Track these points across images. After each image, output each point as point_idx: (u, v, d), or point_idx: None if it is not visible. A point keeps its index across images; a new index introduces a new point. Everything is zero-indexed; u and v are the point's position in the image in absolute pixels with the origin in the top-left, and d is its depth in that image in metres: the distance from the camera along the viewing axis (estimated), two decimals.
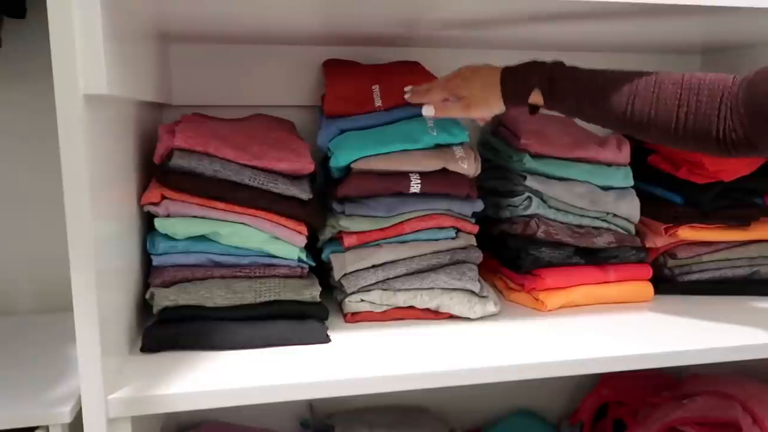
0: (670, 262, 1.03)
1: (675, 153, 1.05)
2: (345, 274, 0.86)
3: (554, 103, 0.80)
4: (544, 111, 1.14)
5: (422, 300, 0.87)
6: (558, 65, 0.80)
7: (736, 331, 0.85)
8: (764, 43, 1.09)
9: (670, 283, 1.03)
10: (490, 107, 0.83)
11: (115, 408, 0.63)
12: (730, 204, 1.03)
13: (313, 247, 0.93)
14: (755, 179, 1.02)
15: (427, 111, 0.86)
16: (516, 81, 0.80)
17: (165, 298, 0.77)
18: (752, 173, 1.01)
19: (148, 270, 0.82)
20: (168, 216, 0.81)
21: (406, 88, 0.89)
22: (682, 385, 1.09)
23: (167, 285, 0.79)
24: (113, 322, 0.68)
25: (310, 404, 1.18)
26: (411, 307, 0.88)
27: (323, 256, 0.91)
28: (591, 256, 0.97)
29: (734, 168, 1.01)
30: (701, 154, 1.02)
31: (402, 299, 0.87)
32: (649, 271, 0.99)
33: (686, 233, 1.01)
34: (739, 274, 1.04)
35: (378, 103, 0.92)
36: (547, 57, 1.16)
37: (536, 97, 0.80)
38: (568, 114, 0.81)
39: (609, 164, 0.99)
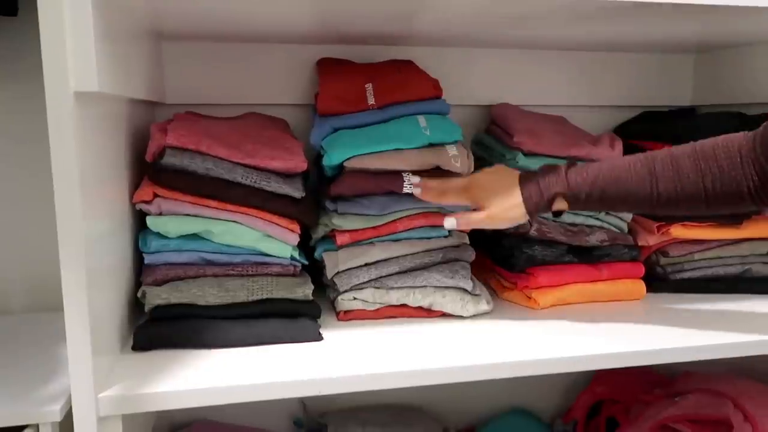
0: (663, 260, 1.03)
1: None
2: (338, 272, 0.87)
3: (579, 206, 0.79)
4: (534, 109, 1.16)
5: (415, 298, 0.87)
6: (572, 168, 0.79)
7: (727, 329, 0.85)
8: (758, 42, 1.10)
9: (662, 281, 1.03)
10: (512, 220, 0.81)
11: (106, 406, 0.63)
12: None
13: (306, 246, 0.94)
14: None
15: (449, 223, 0.83)
16: (538, 193, 0.78)
17: (157, 296, 0.77)
18: None
19: (140, 268, 0.82)
20: (160, 214, 0.80)
21: (414, 181, 0.85)
22: (674, 383, 1.10)
23: (159, 283, 0.79)
24: (104, 320, 0.68)
25: (303, 403, 1.18)
26: (404, 306, 0.88)
27: (316, 254, 0.91)
28: (584, 254, 0.97)
29: None
30: None
31: (395, 297, 0.87)
32: (641, 269, 0.99)
33: (678, 231, 1.01)
34: (731, 272, 1.04)
35: (371, 101, 0.92)
36: (541, 56, 1.19)
37: (560, 204, 0.79)
38: (595, 210, 0.82)
39: None
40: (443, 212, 0.91)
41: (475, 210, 0.83)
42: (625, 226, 1.01)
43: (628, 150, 1.06)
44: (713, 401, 0.97)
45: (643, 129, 1.17)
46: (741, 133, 0.73)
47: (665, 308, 0.95)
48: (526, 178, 0.80)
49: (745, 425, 0.91)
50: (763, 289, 1.03)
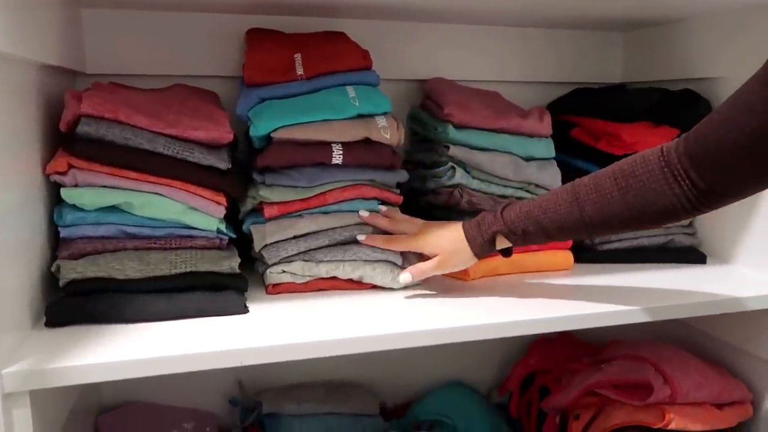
0: None
1: (595, 125, 1.08)
2: (265, 245, 0.85)
3: (520, 241, 0.81)
4: (470, 85, 1.16)
5: (344, 271, 0.87)
6: (508, 207, 0.82)
7: (649, 295, 0.88)
8: (682, 20, 1.13)
9: (590, 252, 1.06)
10: (462, 263, 0.85)
11: (11, 382, 0.60)
12: None
13: (235, 219, 0.92)
14: None
15: (405, 279, 0.85)
16: (479, 234, 0.82)
17: (72, 270, 0.74)
18: None
19: (57, 243, 0.78)
20: (76, 186, 0.77)
21: (359, 237, 0.87)
22: (602, 351, 1.13)
23: (76, 257, 0.76)
24: (12, 295, 0.65)
25: (240, 382, 1.17)
26: (333, 278, 0.87)
27: (244, 227, 0.89)
28: None
29: (651, 140, 1.04)
30: (619, 127, 1.05)
31: (324, 270, 0.86)
32: (569, 240, 1.01)
33: None
34: (655, 242, 1.08)
35: (300, 71, 0.90)
36: (477, 32, 1.19)
37: (502, 242, 0.82)
38: (539, 243, 0.83)
39: (531, 135, 1.01)
40: (374, 185, 0.90)
41: (424, 258, 0.86)
42: None
43: (559, 124, 1.09)
44: (635, 366, 1.00)
45: (575, 104, 1.19)
46: (657, 147, 0.73)
47: (592, 277, 0.97)
48: (468, 223, 0.84)
49: (665, 387, 0.95)
50: (685, 258, 1.07)
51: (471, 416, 1.17)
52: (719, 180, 0.67)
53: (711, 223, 1.10)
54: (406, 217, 0.90)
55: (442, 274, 0.97)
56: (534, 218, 0.78)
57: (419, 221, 0.89)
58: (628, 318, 0.84)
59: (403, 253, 0.90)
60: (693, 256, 1.07)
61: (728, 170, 0.66)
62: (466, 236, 0.83)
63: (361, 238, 0.87)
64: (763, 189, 0.68)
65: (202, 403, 1.16)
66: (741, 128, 0.63)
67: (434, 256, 0.84)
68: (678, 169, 0.69)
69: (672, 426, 0.94)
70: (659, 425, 0.94)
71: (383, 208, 0.90)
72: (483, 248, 0.82)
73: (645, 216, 0.73)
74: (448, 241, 0.84)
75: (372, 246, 0.88)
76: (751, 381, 1.04)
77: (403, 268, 0.89)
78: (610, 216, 0.74)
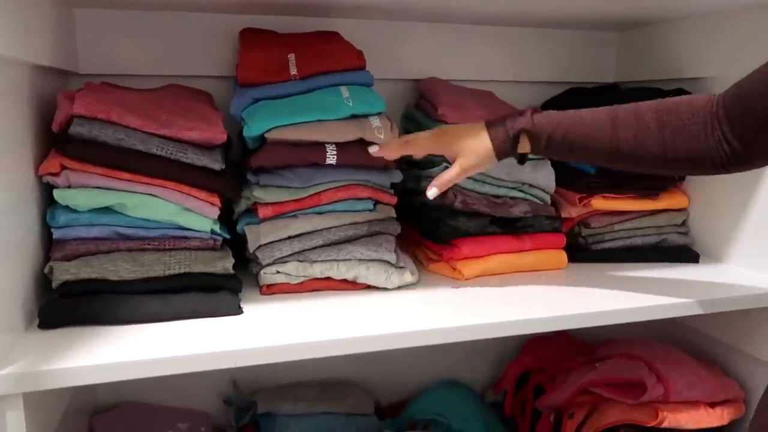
0: (584, 231, 1.06)
1: None
2: (260, 246, 0.85)
3: (542, 148, 0.78)
4: (464, 84, 1.16)
5: (339, 271, 0.87)
6: (539, 112, 0.79)
7: (643, 294, 0.89)
8: (680, 18, 1.13)
9: (584, 251, 1.06)
10: (484, 163, 0.80)
11: (4, 384, 0.60)
12: (640, 174, 1.06)
13: (230, 219, 0.92)
14: None
15: (432, 193, 0.82)
16: (504, 132, 0.78)
17: (65, 271, 0.74)
18: None
19: (51, 244, 0.78)
20: (69, 187, 0.77)
21: (371, 150, 0.83)
22: (596, 350, 1.13)
23: (69, 259, 0.76)
24: (5, 297, 0.65)
25: (234, 381, 1.17)
26: (328, 278, 0.87)
27: (238, 227, 0.89)
28: (507, 225, 0.99)
29: None
30: None
31: (319, 270, 0.86)
32: (563, 240, 1.02)
33: (599, 203, 1.05)
34: (649, 241, 1.08)
35: (293, 71, 0.90)
36: (471, 31, 1.19)
37: (524, 146, 0.78)
38: (558, 158, 0.80)
39: None
40: (368, 186, 0.91)
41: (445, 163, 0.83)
42: (548, 198, 1.03)
43: None
44: (629, 365, 1.01)
45: (569, 104, 1.18)
46: (705, 96, 0.72)
47: (586, 277, 0.98)
48: (492, 121, 0.80)
49: (658, 385, 0.95)
50: (678, 257, 1.07)
51: (466, 415, 1.18)
52: (747, 139, 0.67)
53: (704, 223, 1.11)
54: (418, 133, 0.84)
55: (437, 273, 0.98)
56: (564, 128, 0.75)
57: (438, 127, 0.84)
58: (622, 317, 0.85)
59: (397, 253, 0.90)
60: (686, 255, 1.07)
61: (757, 130, 0.66)
62: (489, 132, 0.78)
63: (373, 150, 0.82)
64: None
65: (197, 403, 1.16)
66: None
67: (454, 160, 0.80)
68: (715, 121, 0.69)
69: (665, 424, 0.94)
70: (653, 424, 0.95)
71: (374, 149, 0.85)
72: (505, 146, 0.78)
73: (676, 157, 0.72)
74: (469, 141, 0.79)
75: (366, 246, 0.87)
76: (743, 379, 1.04)
77: (399, 267, 0.89)
78: (642, 147, 0.73)
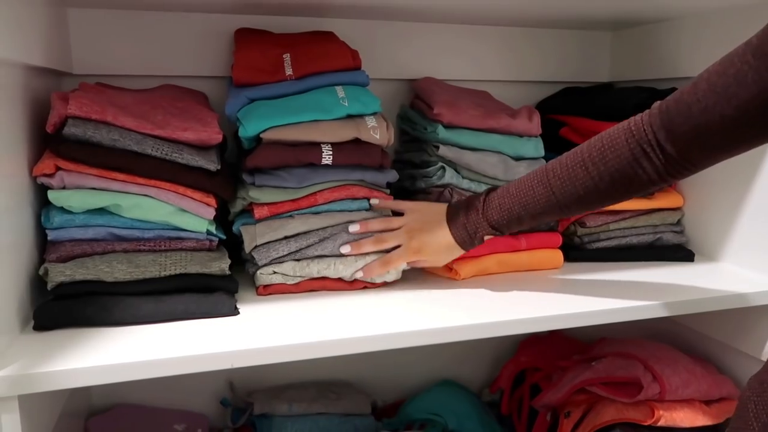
0: (580, 231, 1.06)
1: (584, 125, 1.09)
2: (256, 246, 0.85)
3: (505, 232, 0.85)
4: (459, 84, 1.16)
5: (336, 269, 0.86)
6: (488, 205, 0.83)
7: (639, 293, 0.89)
8: (674, 17, 1.14)
9: (579, 250, 1.06)
10: (452, 257, 0.88)
11: None
12: None
13: (225, 220, 0.91)
14: None
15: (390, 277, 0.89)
16: (468, 237, 0.85)
17: (60, 273, 0.73)
18: None
19: (45, 245, 0.78)
20: (63, 188, 0.76)
21: (343, 250, 0.86)
22: (591, 348, 1.14)
23: (64, 260, 0.76)
24: (0, 299, 0.64)
25: (231, 383, 1.16)
26: (324, 278, 0.87)
27: (234, 228, 0.89)
28: None
29: None
30: (607, 126, 1.05)
31: (315, 270, 0.86)
32: (559, 239, 1.02)
33: None
34: (644, 240, 1.09)
35: (288, 71, 0.90)
36: (466, 31, 1.19)
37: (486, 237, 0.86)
38: (522, 227, 0.84)
39: (520, 135, 1.01)
40: (364, 185, 0.90)
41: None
42: None
43: (548, 124, 1.09)
44: (625, 364, 1.01)
45: (564, 104, 1.20)
46: (624, 124, 0.73)
47: (582, 276, 0.98)
48: (455, 227, 0.85)
49: (654, 384, 0.96)
50: (673, 256, 1.08)
51: (462, 415, 1.18)
52: (694, 150, 0.68)
53: (699, 222, 1.11)
54: (388, 223, 0.88)
55: (433, 273, 0.98)
56: (516, 215, 0.81)
57: (402, 229, 0.88)
58: (618, 316, 0.85)
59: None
60: (681, 254, 1.08)
61: (705, 140, 0.67)
62: (455, 238, 0.86)
63: (345, 250, 0.86)
64: (727, 159, 0.69)
65: (194, 405, 1.16)
66: (729, 99, 0.63)
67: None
68: (650, 142, 0.70)
69: (661, 423, 0.94)
70: (648, 422, 0.95)
71: (375, 201, 0.91)
72: (473, 245, 0.87)
73: (617, 195, 0.75)
74: (437, 241, 0.86)
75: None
76: (738, 377, 1.05)
77: None
78: (587, 202, 0.77)
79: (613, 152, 0.73)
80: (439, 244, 0.86)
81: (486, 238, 0.86)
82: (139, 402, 1.12)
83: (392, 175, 0.93)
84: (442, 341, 0.77)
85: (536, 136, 1.02)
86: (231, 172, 0.91)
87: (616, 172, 0.73)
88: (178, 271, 0.78)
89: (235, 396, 1.16)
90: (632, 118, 0.73)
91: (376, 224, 0.88)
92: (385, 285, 0.90)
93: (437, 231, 0.86)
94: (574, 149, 0.77)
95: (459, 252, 0.87)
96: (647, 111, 0.73)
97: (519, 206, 0.81)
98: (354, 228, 0.87)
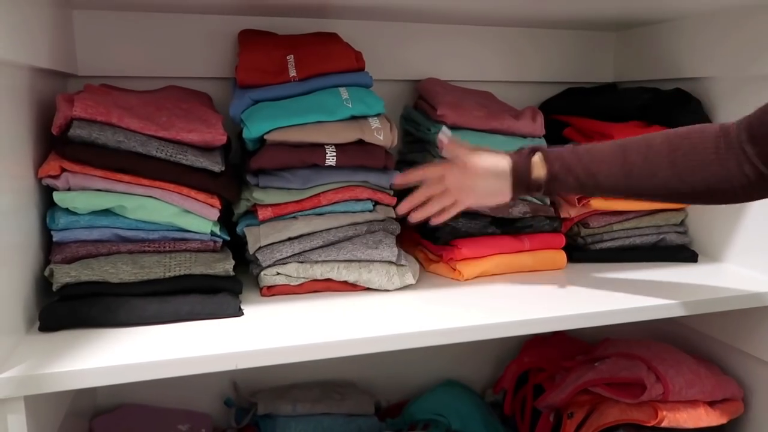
0: (584, 231, 1.06)
1: (587, 125, 1.09)
2: (260, 247, 0.85)
3: (556, 169, 0.79)
4: (463, 85, 1.16)
5: (339, 273, 0.87)
6: (554, 158, 0.79)
7: (642, 294, 0.89)
8: (675, 19, 1.13)
9: (583, 251, 1.06)
10: (493, 170, 0.81)
11: (5, 388, 0.60)
12: None
13: (230, 221, 0.92)
14: None
15: (444, 134, 0.88)
16: (525, 187, 0.80)
17: (65, 274, 0.74)
18: None
19: (51, 246, 0.78)
20: (69, 189, 0.77)
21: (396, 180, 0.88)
22: (595, 349, 1.14)
23: (69, 261, 0.76)
24: (5, 300, 0.65)
25: (235, 383, 1.17)
26: (328, 280, 0.87)
27: (238, 229, 0.89)
28: (507, 226, 0.99)
29: None
30: (610, 127, 1.05)
31: (319, 272, 0.86)
32: (562, 240, 1.02)
33: (598, 203, 1.05)
34: (647, 241, 1.09)
35: (292, 73, 0.90)
36: (470, 32, 1.19)
37: (538, 170, 0.80)
38: (572, 190, 0.80)
39: (524, 136, 1.01)
40: (367, 187, 0.91)
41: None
42: (547, 199, 1.03)
43: (551, 124, 1.09)
44: (628, 364, 1.01)
45: (567, 104, 1.20)
46: (716, 124, 0.71)
47: (585, 277, 0.98)
48: (516, 172, 0.81)
49: (657, 385, 0.96)
50: (677, 256, 1.08)
51: (465, 415, 1.18)
52: None
53: (702, 222, 1.11)
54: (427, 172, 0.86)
55: (437, 274, 0.98)
56: (577, 155, 0.77)
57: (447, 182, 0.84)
58: (621, 318, 0.85)
59: (399, 251, 0.90)
60: (685, 254, 1.08)
61: None
62: (513, 185, 0.80)
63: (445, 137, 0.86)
64: None
65: (198, 405, 1.16)
66: None
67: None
68: (736, 145, 0.68)
69: (665, 424, 0.94)
70: (652, 423, 0.95)
71: (448, 132, 0.90)
72: (520, 165, 0.80)
73: (690, 182, 0.71)
74: (491, 188, 0.82)
75: (366, 245, 0.87)
76: (742, 378, 1.04)
77: (400, 266, 0.89)
78: (652, 172, 0.73)
79: (701, 157, 0.70)
80: (491, 188, 0.82)
81: (535, 172, 0.79)
82: (143, 402, 1.12)
83: (396, 177, 0.93)
84: (446, 342, 0.77)
85: (539, 137, 1.02)
86: (235, 174, 0.91)
87: (702, 179, 0.70)
88: (182, 272, 0.78)
89: (238, 396, 1.16)
90: (721, 125, 0.71)
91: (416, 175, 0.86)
92: None
93: (495, 174, 0.81)
94: (654, 140, 0.73)
95: (504, 162, 0.80)
96: (736, 122, 0.70)
97: (584, 152, 0.77)
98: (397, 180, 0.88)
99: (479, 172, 0.81)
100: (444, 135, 0.89)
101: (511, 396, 1.22)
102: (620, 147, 0.75)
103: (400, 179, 0.88)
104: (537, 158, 0.80)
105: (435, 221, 0.86)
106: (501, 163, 0.81)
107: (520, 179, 0.80)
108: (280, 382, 1.19)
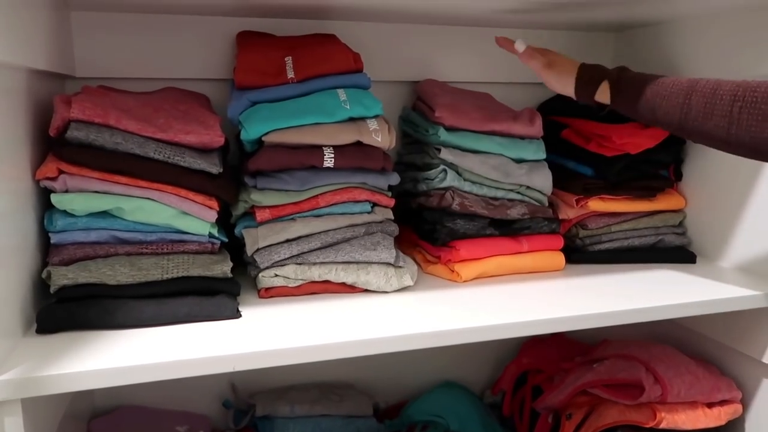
0: (582, 233, 1.06)
1: (585, 127, 1.09)
2: (258, 249, 0.85)
3: (619, 101, 0.84)
4: (461, 86, 1.16)
5: (337, 275, 0.87)
6: (626, 69, 0.86)
7: (641, 296, 0.89)
8: (672, 21, 1.14)
9: (581, 252, 1.06)
10: (562, 82, 0.92)
11: (2, 390, 0.60)
12: (636, 176, 1.07)
13: (228, 223, 0.92)
14: (660, 152, 1.07)
15: (520, 45, 0.96)
16: (590, 71, 0.88)
17: (63, 276, 0.74)
18: (657, 146, 1.06)
19: (48, 249, 0.78)
20: (66, 191, 0.77)
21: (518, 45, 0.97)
22: (593, 350, 1.14)
23: (66, 263, 0.76)
24: (2, 302, 0.64)
25: (233, 384, 1.17)
26: (326, 281, 0.87)
27: (236, 231, 0.89)
28: (505, 227, 0.99)
29: (640, 141, 1.05)
30: (608, 128, 1.05)
31: (317, 273, 0.86)
32: (560, 242, 1.02)
33: (596, 204, 1.05)
34: (646, 242, 1.09)
35: (290, 74, 0.90)
36: (468, 33, 1.19)
37: (603, 94, 0.86)
38: (632, 116, 0.84)
39: (522, 137, 1.01)
40: (365, 188, 0.90)
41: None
42: (545, 200, 1.03)
43: (548, 126, 1.09)
44: (627, 366, 1.01)
45: (566, 105, 1.19)
46: None
47: (584, 278, 0.98)
48: (586, 64, 0.91)
49: (656, 386, 0.96)
50: (675, 258, 1.08)
51: (464, 416, 1.18)
52: None
53: (701, 223, 1.11)
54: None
55: (435, 275, 0.98)
56: (643, 86, 0.80)
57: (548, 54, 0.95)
58: (620, 319, 0.85)
59: (397, 252, 0.90)
60: (683, 255, 1.08)
61: None
62: (579, 69, 0.90)
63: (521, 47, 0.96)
64: None
65: (196, 406, 1.16)
66: None
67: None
68: None
69: (663, 425, 0.94)
70: (650, 424, 0.95)
71: (522, 43, 0.98)
72: (586, 83, 0.89)
73: (737, 134, 0.71)
74: (565, 61, 0.93)
75: (364, 247, 0.87)
76: (741, 379, 1.04)
77: (398, 267, 0.89)
78: (709, 118, 0.73)
79: (761, 112, 0.69)
80: (565, 59, 0.93)
81: (600, 94, 0.87)
82: (141, 403, 1.12)
83: (394, 178, 0.93)
84: (445, 344, 0.77)
85: (537, 139, 1.02)
86: (233, 175, 0.91)
87: (760, 125, 0.69)
88: (180, 274, 0.78)
89: (237, 397, 1.16)
90: None
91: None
92: None
93: (570, 61, 0.92)
94: (722, 87, 0.73)
95: (572, 75, 0.90)
96: None
97: (652, 83, 0.79)
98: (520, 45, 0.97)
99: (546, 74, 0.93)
100: (520, 44, 0.97)
101: (509, 397, 1.22)
102: (689, 85, 0.76)
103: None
104: (603, 87, 0.86)
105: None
106: (567, 89, 0.92)
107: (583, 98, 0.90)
108: (278, 383, 1.19)
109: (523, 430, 1.16)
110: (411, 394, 1.28)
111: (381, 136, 0.88)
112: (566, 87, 0.91)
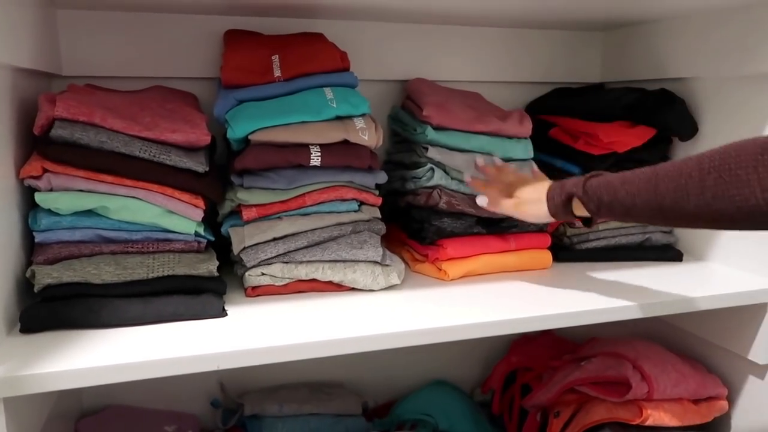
0: (569, 231, 1.07)
1: (573, 125, 1.09)
2: (244, 248, 0.85)
3: (595, 209, 0.76)
4: (451, 85, 1.16)
5: (324, 273, 0.86)
6: (596, 176, 0.78)
7: (627, 293, 0.89)
8: (664, 18, 1.14)
9: (568, 250, 1.07)
10: (536, 215, 0.84)
11: None
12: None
13: (214, 222, 0.91)
14: (647, 151, 1.07)
15: (481, 201, 0.91)
16: (559, 192, 0.80)
17: (47, 275, 0.73)
18: (643, 145, 1.06)
19: (33, 248, 0.78)
20: (51, 190, 0.76)
21: (467, 178, 0.94)
22: (581, 348, 1.14)
23: (51, 262, 0.76)
24: None
25: (221, 383, 1.16)
26: (313, 280, 0.87)
27: (222, 230, 0.89)
28: (492, 226, 0.99)
29: (627, 140, 1.05)
30: (596, 127, 1.06)
31: (304, 272, 0.86)
32: (547, 240, 1.02)
33: None
34: (633, 240, 1.09)
35: (277, 73, 0.90)
36: (457, 32, 1.19)
37: (580, 209, 0.79)
38: (617, 218, 0.77)
39: (510, 137, 1.01)
40: (352, 187, 0.91)
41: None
42: None
43: (538, 124, 1.09)
44: (614, 363, 1.01)
45: (555, 104, 1.20)
46: (759, 138, 0.62)
47: (571, 276, 0.98)
48: (554, 182, 0.83)
49: (642, 384, 0.96)
50: (662, 256, 1.08)
51: (453, 415, 1.18)
52: None
53: None
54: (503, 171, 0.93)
55: (423, 274, 0.98)
56: (612, 188, 0.73)
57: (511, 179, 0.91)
58: (607, 316, 0.85)
59: (384, 251, 0.90)
60: (670, 254, 1.08)
61: None
62: (547, 193, 0.82)
63: (483, 203, 0.90)
64: None
65: (184, 406, 1.16)
66: None
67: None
68: None
69: (649, 422, 0.95)
70: (637, 421, 0.95)
71: (498, 161, 0.97)
72: (558, 207, 0.81)
73: (722, 206, 0.63)
74: (530, 192, 0.85)
75: (351, 245, 0.87)
76: (727, 376, 1.05)
77: (385, 266, 0.89)
78: (684, 198, 0.66)
79: (737, 152, 0.62)
80: (529, 187, 0.86)
81: (576, 209, 0.79)
82: (129, 403, 1.12)
83: (381, 177, 0.93)
84: (433, 341, 0.77)
85: (526, 138, 1.02)
86: (220, 174, 0.91)
87: (739, 189, 0.61)
88: (165, 273, 0.78)
89: (225, 397, 1.16)
90: (765, 138, 0.61)
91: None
92: None
93: (536, 184, 0.86)
94: (685, 166, 0.66)
95: (543, 207, 0.82)
96: None
97: (619, 181, 0.73)
98: (480, 161, 0.96)
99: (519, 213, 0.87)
100: (481, 200, 0.92)
101: (499, 395, 1.23)
102: (652, 176, 0.70)
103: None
104: (576, 204, 0.79)
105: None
106: (545, 218, 0.84)
107: (560, 218, 0.83)
108: (267, 383, 1.19)
109: (512, 428, 1.16)
110: (400, 393, 1.28)
111: (368, 135, 0.88)
112: (543, 217, 0.84)
